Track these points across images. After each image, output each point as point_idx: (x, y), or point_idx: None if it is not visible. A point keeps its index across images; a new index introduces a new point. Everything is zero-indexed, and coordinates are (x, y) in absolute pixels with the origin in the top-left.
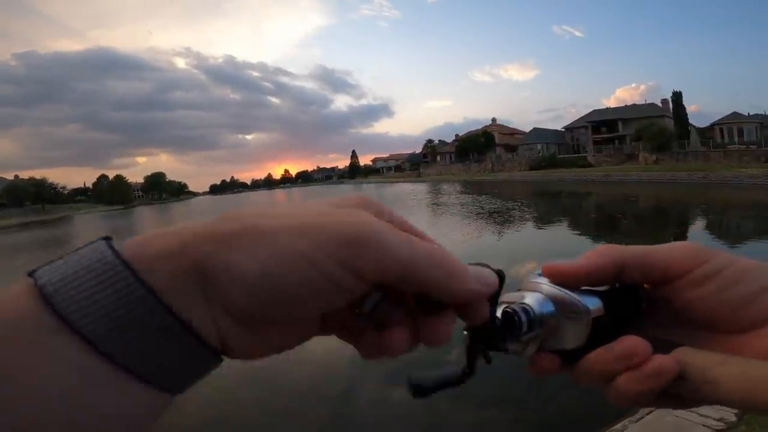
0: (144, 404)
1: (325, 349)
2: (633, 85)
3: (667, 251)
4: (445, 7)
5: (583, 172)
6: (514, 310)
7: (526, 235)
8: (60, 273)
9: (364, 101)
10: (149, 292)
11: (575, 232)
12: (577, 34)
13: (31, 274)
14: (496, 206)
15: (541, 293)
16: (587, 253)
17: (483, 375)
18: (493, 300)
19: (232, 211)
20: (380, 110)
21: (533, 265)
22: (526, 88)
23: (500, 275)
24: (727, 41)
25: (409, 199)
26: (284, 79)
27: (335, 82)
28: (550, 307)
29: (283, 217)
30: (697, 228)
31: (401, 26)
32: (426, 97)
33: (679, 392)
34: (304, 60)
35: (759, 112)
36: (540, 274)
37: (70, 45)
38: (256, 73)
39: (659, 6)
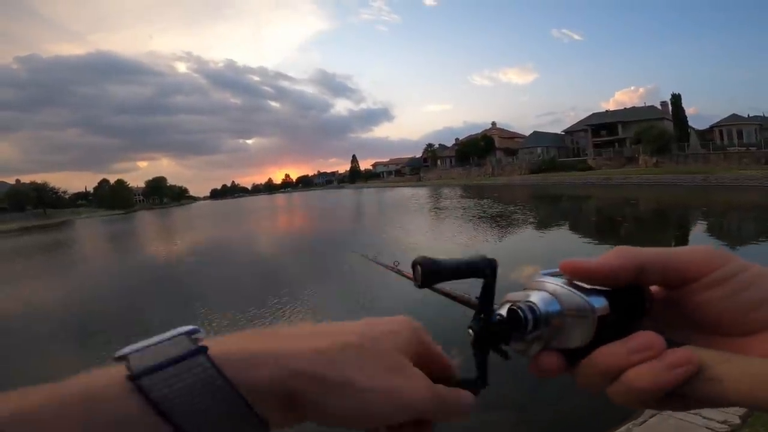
0: None
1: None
2: (632, 87)
3: (687, 254)
4: (444, 12)
5: (584, 175)
6: (520, 308)
7: (527, 238)
8: (169, 385)
9: (364, 105)
10: (257, 420)
11: (577, 235)
12: (576, 37)
13: (134, 378)
14: (497, 210)
15: (547, 292)
16: (607, 253)
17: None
18: (488, 291)
19: (325, 330)
20: (380, 114)
21: (535, 269)
22: (525, 91)
23: (492, 264)
24: (726, 44)
25: (410, 204)
26: (284, 84)
27: (335, 86)
28: (555, 306)
29: (374, 375)
30: (698, 230)
31: (401, 30)
32: (426, 101)
33: (682, 391)
34: (304, 64)
35: (758, 114)
36: (545, 274)
37: (71, 49)
38: (256, 78)
39: (658, 9)
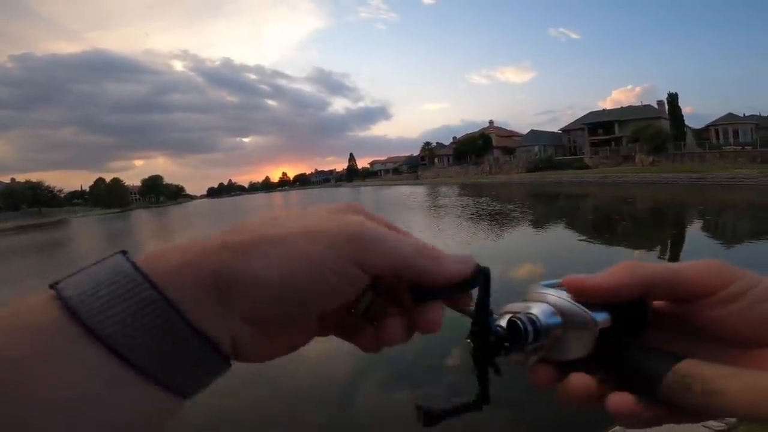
0: (159, 407)
1: (323, 350)
2: (629, 86)
3: (695, 270)
4: (441, 10)
5: (581, 174)
6: (520, 319)
7: (525, 236)
8: (83, 286)
9: (361, 104)
10: (166, 303)
11: (574, 234)
12: (573, 36)
13: (53, 286)
14: (495, 208)
15: (548, 304)
16: (612, 268)
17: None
18: (483, 299)
19: (241, 222)
20: (378, 113)
21: (532, 267)
22: (522, 90)
23: (484, 273)
24: (723, 43)
25: (408, 201)
26: (281, 82)
27: (333, 84)
28: (556, 318)
29: (289, 225)
30: (695, 229)
31: (398, 29)
32: (423, 100)
33: (685, 404)
34: (301, 62)
35: (754, 113)
36: (546, 286)
37: (66, 47)
38: (253, 76)
39: (656, 8)
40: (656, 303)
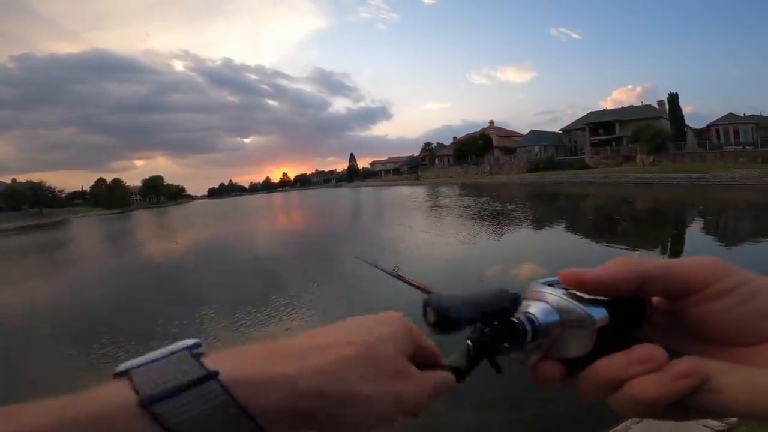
0: None
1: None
2: (629, 86)
3: (688, 266)
4: (442, 10)
5: (581, 174)
6: (519, 319)
7: (525, 236)
8: (183, 412)
9: (362, 104)
10: None
11: (574, 234)
12: (574, 36)
13: (145, 406)
14: (496, 208)
15: (546, 303)
16: (608, 263)
17: (482, 376)
18: (506, 318)
19: (326, 345)
20: (378, 113)
21: (533, 267)
22: (523, 90)
23: (515, 299)
24: (723, 43)
25: (409, 202)
26: (282, 82)
27: (333, 84)
28: (554, 317)
29: (375, 382)
30: (695, 229)
31: (399, 29)
32: (424, 100)
33: (684, 401)
34: (302, 63)
35: (755, 113)
36: (544, 284)
37: (66, 47)
38: (253, 76)
39: (656, 8)
40: (654, 300)
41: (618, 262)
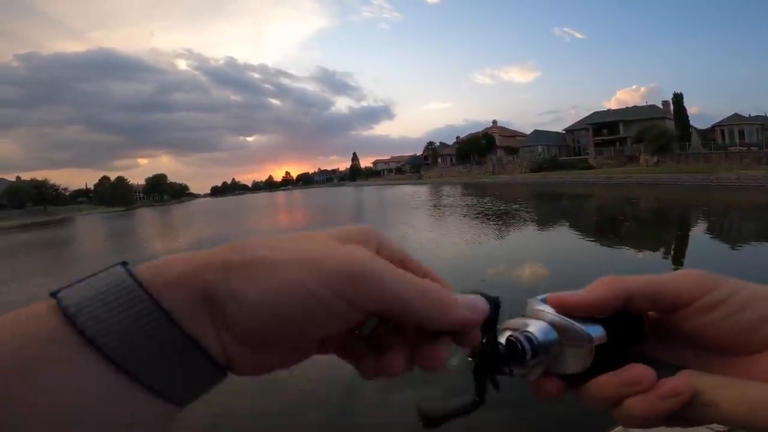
0: (154, 414)
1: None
2: (634, 86)
3: (675, 281)
4: (445, 9)
5: (585, 174)
6: (517, 338)
7: (529, 236)
8: (82, 295)
9: (365, 103)
10: (163, 313)
11: (578, 234)
12: (578, 35)
13: (54, 294)
14: (500, 208)
15: (545, 321)
16: (593, 284)
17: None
18: (491, 326)
19: (241, 241)
20: (381, 112)
21: (537, 268)
22: (526, 90)
23: (495, 302)
24: (728, 42)
25: (411, 201)
26: (285, 81)
27: (336, 84)
28: (553, 335)
29: (286, 250)
30: (698, 230)
31: (402, 28)
32: (427, 99)
33: (681, 414)
34: (305, 62)
35: (760, 114)
36: (544, 301)
37: (71, 46)
38: (257, 75)
39: (661, 8)
40: (652, 315)
41: (602, 282)
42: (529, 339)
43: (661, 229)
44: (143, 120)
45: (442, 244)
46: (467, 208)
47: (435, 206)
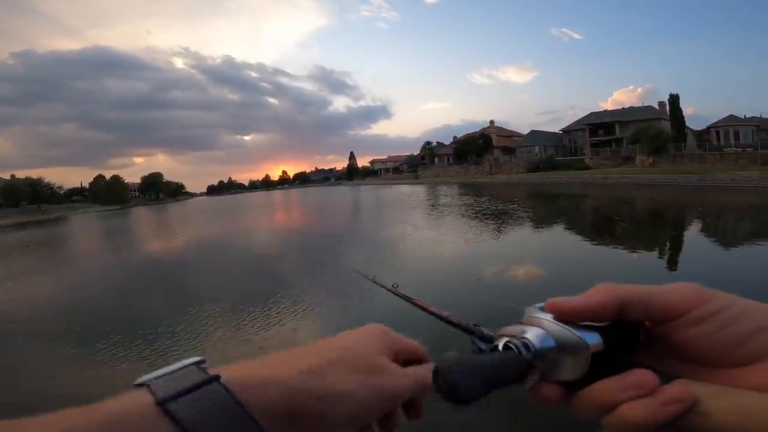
0: None
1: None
2: (630, 87)
3: (667, 293)
4: (444, 9)
5: (581, 174)
6: (515, 345)
7: (525, 236)
8: (193, 411)
9: (362, 102)
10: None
11: (574, 234)
12: (576, 36)
13: (161, 402)
14: (497, 208)
15: (542, 329)
16: (590, 291)
17: None
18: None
19: (306, 354)
20: (379, 112)
21: (533, 267)
22: (524, 90)
23: (528, 367)
24: (725, 44)
25: (409, 201)
26: (283, 80)
27: (334, 83)
28: (550, 342)
29: (353, 379)
30: (693, 231)
31: (400, 28)
32: (424, 99)
33: (674, 422)
34: (303, 61)
35: (755, 115)
36: (541, 308)
37: (67, 44)
38: (254, 74)
39: (659, 9)
40: (648, 325)
41: (598, 289)
42: (526, 345)
43: (656, 229)
44: (139, 118)
45: (440, 243)
46: (464, 207)
47: (433, 206)
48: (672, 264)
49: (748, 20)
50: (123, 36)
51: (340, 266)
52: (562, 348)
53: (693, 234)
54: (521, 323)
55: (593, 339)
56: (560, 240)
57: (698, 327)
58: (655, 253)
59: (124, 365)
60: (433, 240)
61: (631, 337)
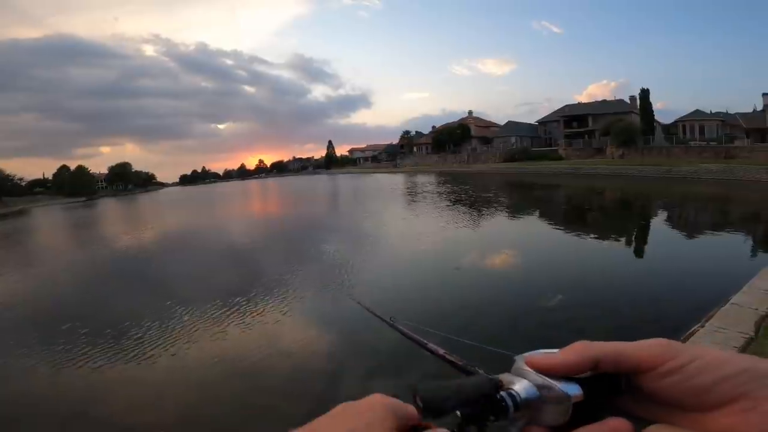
0: None
1: (304, 343)
2: (604, 81)
3: (638, 350)
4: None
5: (555, 165)
6: (502, 396)
7: (500, 224)
8: None
9: (342, 91)
10: None
11: (546, 221)
12: (556, 30)
13: None
14: (473, 196)
15: (527, 380)
16: (566, 348)
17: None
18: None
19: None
20: (358, 101)
21: (507, 254)
22: (502, 82)
23: (496, 386)
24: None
25: (386, 190)
26: (260, 68)
27: (313, 71)
28: (534, 393)
29: None
30: (658, 219)
31: (382, 17)
32: (404, 89)
33: None
34: (281, 49)
35: (722, 111)
36: (526, 357)
37: (28, 32)
38: (229, 61)
39: (635, 7)
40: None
41: (575, 348)
42: (512, 396)
43: (624, 218)
44: (106, 107)
45: (416, 231)
46: (440, 196)
47: (410, 194)
48: (639, 246)
49: (719, 20)
50: (88, 23)
51: (332, 282)
52: (545, 398)
53: (657, 221)
54: (510, 373)
55: (574, 390)
56: (534, 227)
57: (668, 379)
58: (623, 240)
59: (93, 360)
60: (412, 229)
61: (613, 385)
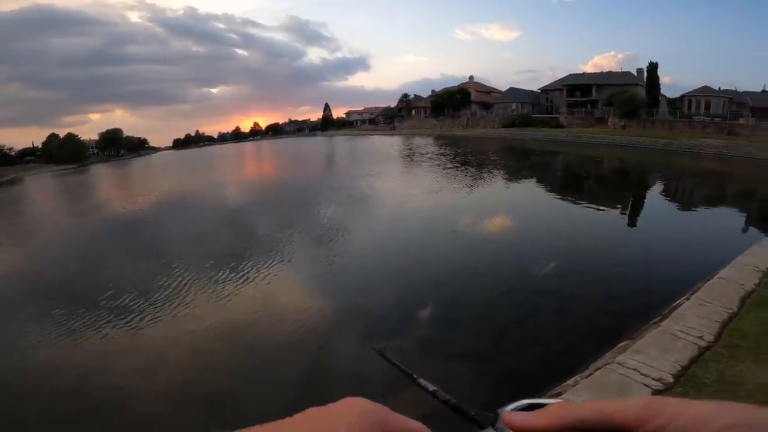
0: None
1: (301, 307)
2: (612, 53)
3: (623, 409)
4: None
5: (555, 132)
6: None
7: (497, 188)
8: None
9: (339, 54)
10: None
11: (543, 188)
12: None
13: None
14: (469, 159)
15: None
16: (545, 410)
17: (451, 330)
18: None
19: None
20: (356, 64)
21: (503, 219)
22: (506, 48)
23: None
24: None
25: (384, 151)
26: (253, 31)
27: (309, 34)
28: None
29: None
30: (654, 189)
31: None
32: (404, 52)
33: None
34: (276, 11)
35: (731, 88)
36: (514, 410)
37: (3, 5)
38: (221, 25)
39: None
40: None
41: (552, 410)
42: None
43: (620, 187)
44: (92, 74)
45: (412, 194)
46: (440, 158)
47: (407, 157)
48: (633, 216)
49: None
50: None
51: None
52: None
53: (653, 193)
54: (495, 429)
55: None
56: (532, 193)
57: None
58: (618, 209)
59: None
60: (408, 192)
61: None
